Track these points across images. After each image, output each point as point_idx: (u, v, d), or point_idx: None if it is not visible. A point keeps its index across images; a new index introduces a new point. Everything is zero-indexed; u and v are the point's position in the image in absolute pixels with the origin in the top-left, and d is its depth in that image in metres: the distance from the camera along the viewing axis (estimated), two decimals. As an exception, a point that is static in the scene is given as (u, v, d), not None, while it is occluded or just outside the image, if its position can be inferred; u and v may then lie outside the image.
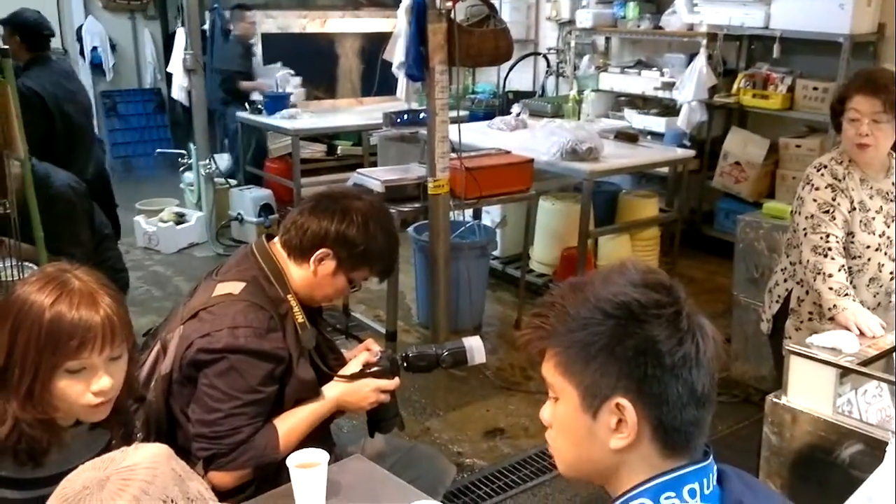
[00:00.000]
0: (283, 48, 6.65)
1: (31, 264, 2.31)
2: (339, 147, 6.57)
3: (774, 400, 2.15)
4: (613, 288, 1.02)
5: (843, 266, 2.47)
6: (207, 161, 5.69)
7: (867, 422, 2.07)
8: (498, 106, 6.53)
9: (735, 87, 5.40)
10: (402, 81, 4.16)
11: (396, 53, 4.13)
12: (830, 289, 2.43)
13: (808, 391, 2.09)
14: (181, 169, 6.29)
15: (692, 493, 1.00)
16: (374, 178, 3.98)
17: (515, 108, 5.54)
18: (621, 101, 6.12)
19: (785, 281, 2.76)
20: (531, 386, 3.79)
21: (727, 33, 5.31)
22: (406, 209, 3.89)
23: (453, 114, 3.70)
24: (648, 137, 5.44)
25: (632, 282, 1.02)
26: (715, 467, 1.05)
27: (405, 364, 1.92)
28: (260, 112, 5.88)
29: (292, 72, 6.45)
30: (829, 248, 2.48)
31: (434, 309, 3.95)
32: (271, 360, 1.76)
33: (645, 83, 5.83)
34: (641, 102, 5.98)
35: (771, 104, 5.19)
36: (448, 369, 2.03)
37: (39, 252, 2.37)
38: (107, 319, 1.39)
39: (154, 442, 1.03)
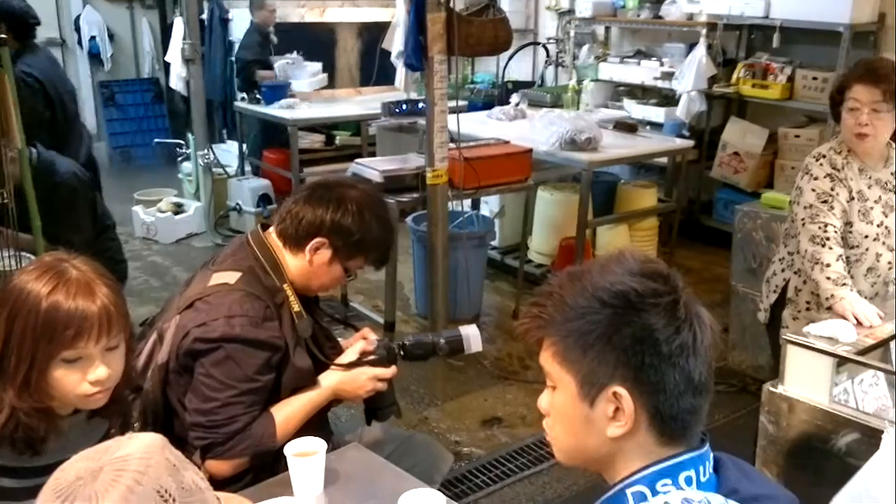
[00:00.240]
0: (281, 37, 6.62)
1: (28, 254, 2.31)
2: (338, 137, 6.56)
3: (771, 389, 2.16)
4: (611, 277, 1.02)
5: (840, 256, 2.47)
6: (206, 151, 5.67)
7: (864, 411, 2.07)
8: (497, 96, 6.51)
9: (734, 76, 5.39)
10: (400, 71, 4.15)
11: (395, 43, 4.12)
12: (828, 278, 2.43)
13: (805, 380, 2.09)
14: (179, 159, 6.28)
15: (688, 481, 1.01)
16: (373, 168, 3.97)
17: (514, 98, 5.53)
18: (620, 91, 6.11)
19: (783, 271, 2.76)
20: (529, 375, 3.80)
21: (727, 23, 5.30)
22: (405, 199, 3.88)
23: (452, 103, 3.68)
24: (647, 127, 5.43)
25: (629, 271, 1.03)
26: (711, 455, 1.05)
27: (402, 352, 1.93)
28: (258, 102, 5.86)
29: (314, 62, 6.42)
30: (828, 238, 2.48)
31: (432, 299, 3.95)
32: (267, 348, 1.76)
33: (644, 73, 5.81)
34: (641, 92, 5.96)
35: (770, 94, 5.18)
36: (445, 358, 2.04)
37: (37, 242, 2.37)
38: (103, 309, 1.38)
39: (151, 431, 1.03)
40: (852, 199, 2.54)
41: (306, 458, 1.61)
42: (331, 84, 6.86)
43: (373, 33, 6.86)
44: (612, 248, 4.78)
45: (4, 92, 2.20)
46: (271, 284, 1.83)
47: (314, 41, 6.96)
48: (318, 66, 6.57)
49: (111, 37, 8.07)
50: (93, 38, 7.87)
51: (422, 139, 4.25)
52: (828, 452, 2.00)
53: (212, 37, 6.63)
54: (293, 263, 1.87)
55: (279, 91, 5.85)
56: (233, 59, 6.51)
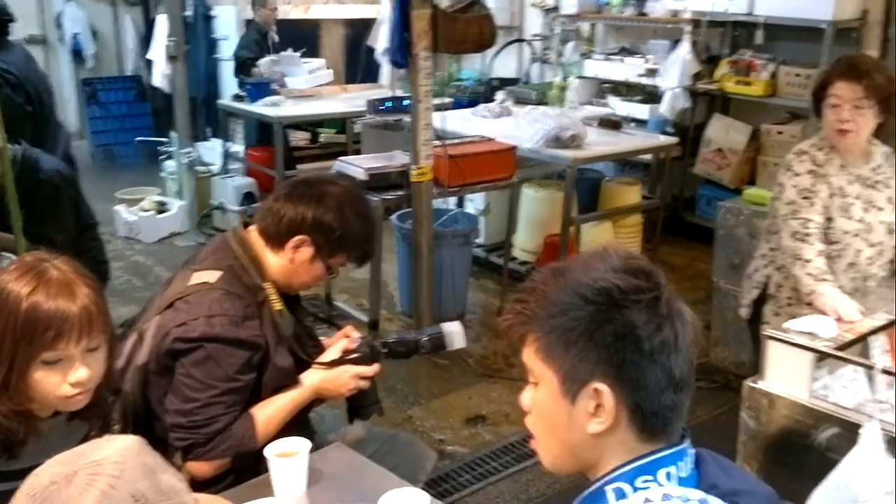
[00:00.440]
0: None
1: (9, 254, 2.28)
2: (323, 135, 6.53)
3: (751, 384, 2.17)
4: (594, 273, 1.02)
5: (821, 252, 2.49)
6: (189, 149, 5.64)
7: (843, 406, 2.08)
8: (482, 93, 6.50)
9: (718, 73, 5.41)
10: (385, 68, 4.14)
11: (380, 40, 4.11)
12: (809, 274, 2.45)
13: (785, 375, 2.10)
14: (162, 157, 6.23)
15: (668, 477, 1.01)
16: (358, 165, 3.97)
17: (500, 96, 5.53)
18: (605, 88, 6.13)
19: (765, 267, 2.77)
20: (513, 373, 3.80)
21: (711, 20, 5.32)
22: (389, 197, 3.88)
23: (437, 101, 3.68)
24: (632, 124, 5.43)
25: (612, 267, 1.03)
26: (692, 451, 1.06)
27: (385, 350, 1.92)
28: (242, 99, 5.83)
29: (315, 59, 6.38)
30: (809, 234, 2.50)
31: (417, 297, 3.95)
32: (248, 348, 1.75)
33: (629, 70, 5.83)
34: (625, 89, 5.98)
35: (753, 91, 5.20)
36: (429, 356, 2.03)
37: (18, 241, 2.34)
38: (84, 310, 1.37)
39: (131, 433, 1.02)
40: (833, 195, 2.56)
41: (287, 458, 1.60)
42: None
43: (358, 30, 6.84)
44: (596, 245, 4.79)
45: (-17, 89, 2.17)
46: (252, 283, 1.82)
47: (299, 38, 6.93)
48: (320, 62, 6.49)
49: (94, 34, 8.00)
50: (76, 34, 7.80)
51: (407, 136, 4.25)
52: (808, 447, 2.01)
53: (196, 34, 6.58)
54: (275, 261, 1.86)
55: (263, 89, 5.82)
56: (216, 56, 6.47)
